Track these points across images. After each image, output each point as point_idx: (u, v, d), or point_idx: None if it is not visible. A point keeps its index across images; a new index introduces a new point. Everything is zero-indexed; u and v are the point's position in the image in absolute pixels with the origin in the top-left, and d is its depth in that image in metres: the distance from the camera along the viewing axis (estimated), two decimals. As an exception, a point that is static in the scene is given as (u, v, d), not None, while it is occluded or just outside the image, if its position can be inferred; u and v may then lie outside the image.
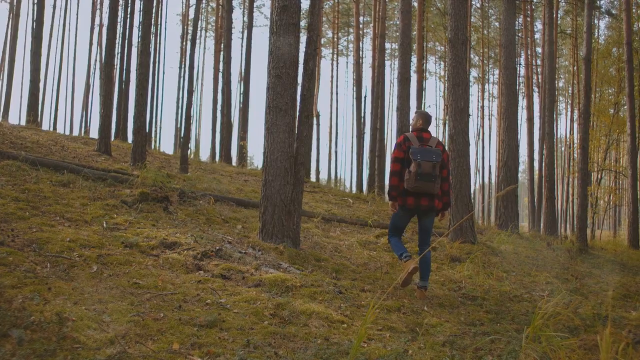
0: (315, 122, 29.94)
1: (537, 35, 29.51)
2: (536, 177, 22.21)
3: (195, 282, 4.15)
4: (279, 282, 4.30)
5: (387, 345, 3.34)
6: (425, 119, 4.92)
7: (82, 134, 22.25)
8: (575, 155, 28.02)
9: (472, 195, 8.01)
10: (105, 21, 12.47)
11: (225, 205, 7.60)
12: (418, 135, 4.79)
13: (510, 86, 10.44)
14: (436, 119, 37.10)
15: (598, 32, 28.47)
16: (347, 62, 48.14)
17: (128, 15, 14.40)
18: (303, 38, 6.14)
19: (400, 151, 4.70)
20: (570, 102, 31.69)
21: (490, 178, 38.22)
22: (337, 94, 38.58)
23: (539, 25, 30.29)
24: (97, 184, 6.93)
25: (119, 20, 21.21)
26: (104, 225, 5.33)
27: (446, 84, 8.57)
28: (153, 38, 23.03)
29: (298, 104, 5.86)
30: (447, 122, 9.95)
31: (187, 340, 3.00)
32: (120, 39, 16.90)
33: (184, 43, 28.27)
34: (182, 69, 27.81)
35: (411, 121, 5.10)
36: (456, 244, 7.24)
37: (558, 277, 6.62)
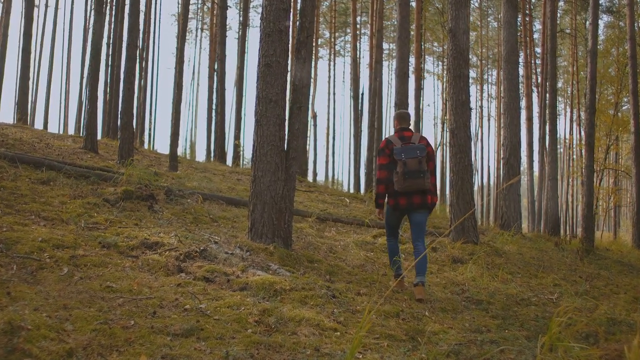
0: (312, 122, 29.58)
1: (535, 35, 29.27)
2: (536, 177, 21.89)
3: (174, 286, 3.79)
4: (267, 286, 3.94)
5: (384, 355, 2.98)
6: (402, 117, 4.97)
7: (75, 134, 21.84)
8: (575, 156, 27.75)
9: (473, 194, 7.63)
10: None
11: (215, 204, 7.23)
12: (399, 136, 4.79)
13: (512, 81, 10.06)
14: (435, 118, 36.86)
15: (598, 31, 28.20)
16: (344, 62, 47.91)
17: (119, 12, 14.04)
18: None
19: (384, 157, 4.71)
20: (569, 102, 31.45)
21: (489, 179, 37.96)
22: (334, 94, 38.35)
23: (537, 25, 30.08)
24: (80, 181, 6.58)
25: (112, 20, 20.89)
26: (82, 224, 4.97)
27: (446, 77, 8.23)
28: (145, 36, 22.67)
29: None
30: (447, 116, 9.63)
31: (158, 351, 2.64)
32: (113, 36, 16.54)
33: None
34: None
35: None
36: (458, 244, 6.88)
37: (566, 279, 6.28)
